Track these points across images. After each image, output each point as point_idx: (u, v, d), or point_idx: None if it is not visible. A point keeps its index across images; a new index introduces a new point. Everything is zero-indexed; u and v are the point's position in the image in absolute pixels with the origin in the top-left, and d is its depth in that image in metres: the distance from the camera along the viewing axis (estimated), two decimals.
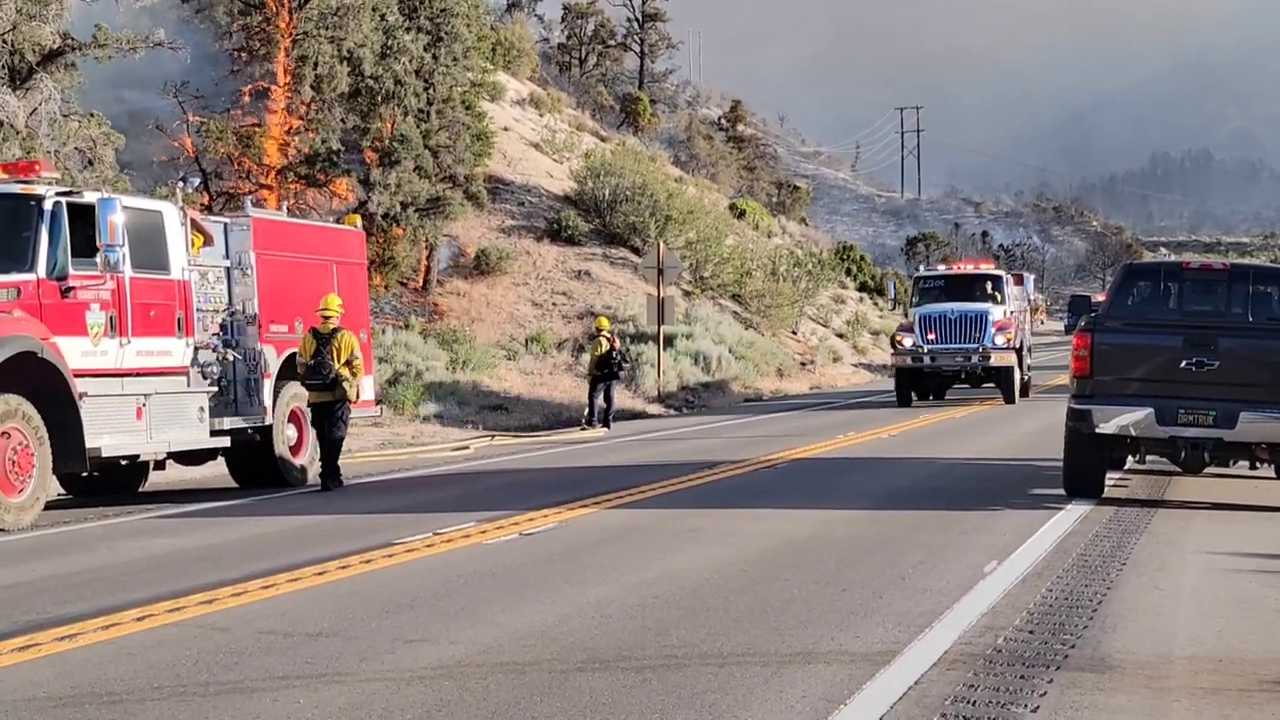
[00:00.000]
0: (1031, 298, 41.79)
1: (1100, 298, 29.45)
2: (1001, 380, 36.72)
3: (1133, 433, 16.03)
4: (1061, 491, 16.63)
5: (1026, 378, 39.17)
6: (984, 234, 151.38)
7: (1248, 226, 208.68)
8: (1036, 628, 9.36)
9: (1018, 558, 12.19)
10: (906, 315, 41.07)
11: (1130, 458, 17.72)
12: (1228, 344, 15.85)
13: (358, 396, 19.89)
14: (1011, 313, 37.60)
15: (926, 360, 36.32)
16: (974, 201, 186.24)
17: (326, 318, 19.52)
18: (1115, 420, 15.95)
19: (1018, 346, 36.93)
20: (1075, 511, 15.27)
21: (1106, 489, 16.83)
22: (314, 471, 20.21)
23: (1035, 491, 17.42)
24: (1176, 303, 16.97)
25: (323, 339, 19.41)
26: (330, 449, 19.60)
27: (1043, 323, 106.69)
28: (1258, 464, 17.13)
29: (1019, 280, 41.01)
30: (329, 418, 19.52)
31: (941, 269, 42.11)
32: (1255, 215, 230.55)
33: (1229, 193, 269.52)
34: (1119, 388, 16.12)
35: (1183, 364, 15.78)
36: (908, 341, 36.60)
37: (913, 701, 7.54)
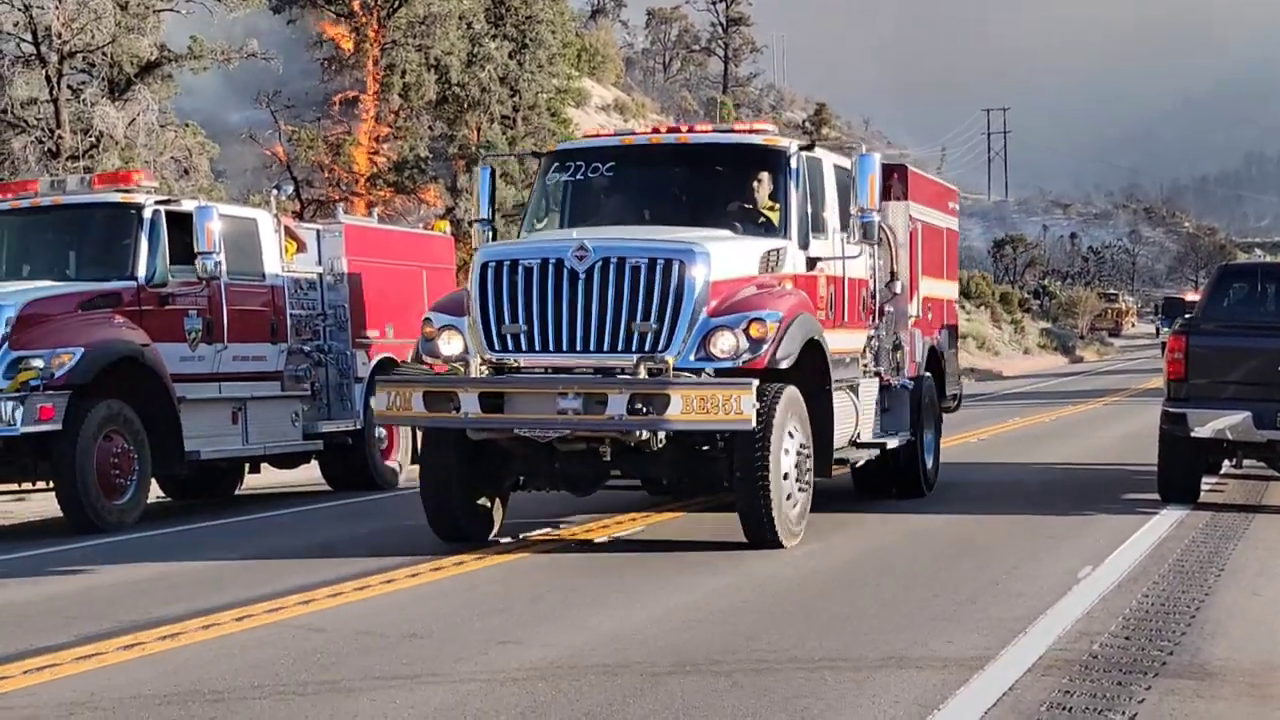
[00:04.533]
0: (900, 231, 15.59)
1: (1193, 296, 28.79)
2: (717, 468, 12.90)
3: (1229, 436, 15.81)
4: (1155, 496, 16.46)
5: (888, 445, 15.88)
6: (1073, 235, 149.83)
7: None
8: (1133, 634, 9.27)
9: (1112, 563, 12.07)
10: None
11: (1227, 462, 17.50)
12: None
13: None
14: (823, 265, 13.94)
15: (472, 406, 12.18)
16: (1062, 203, 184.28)
17: None
18: (1211, 424, 15.73)
19: (775, 358, 12.39)
20: (1170, 516, 15.10)
21: (1202, 494, 16.64)
22: (404, 475, 20.49)
23: (1128, 496, 17.26)
24: (1274, 304, 16.75)
25: None
26: None
27: (1133, 325, 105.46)
28: None
29: (898, 186, 16.31)
30: None
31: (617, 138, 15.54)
32: None
33: None
34: (1215, 391, 15.90)
35: None
36: (449, 346, 12.72)
37: (1008, 707, 7.50)
